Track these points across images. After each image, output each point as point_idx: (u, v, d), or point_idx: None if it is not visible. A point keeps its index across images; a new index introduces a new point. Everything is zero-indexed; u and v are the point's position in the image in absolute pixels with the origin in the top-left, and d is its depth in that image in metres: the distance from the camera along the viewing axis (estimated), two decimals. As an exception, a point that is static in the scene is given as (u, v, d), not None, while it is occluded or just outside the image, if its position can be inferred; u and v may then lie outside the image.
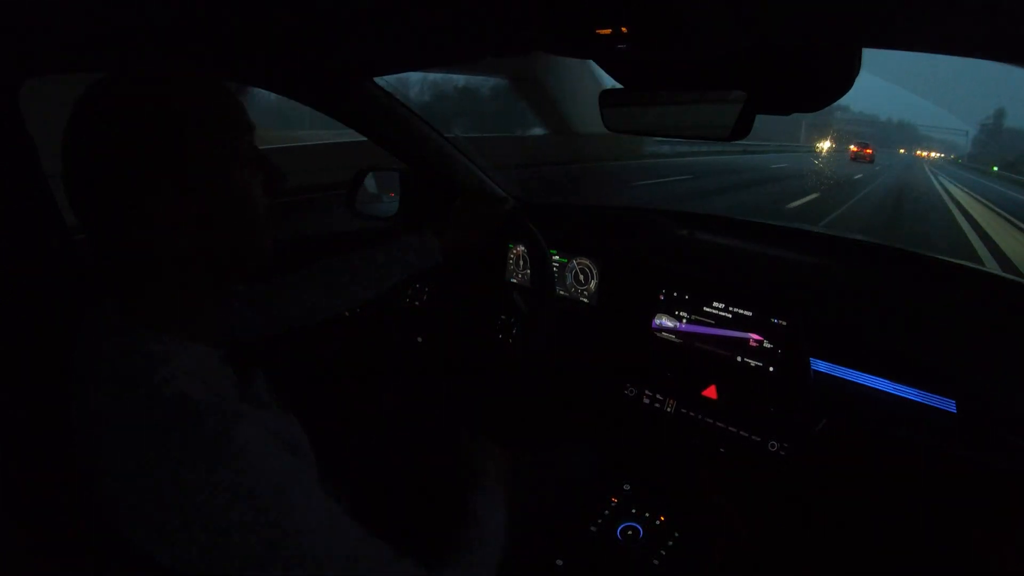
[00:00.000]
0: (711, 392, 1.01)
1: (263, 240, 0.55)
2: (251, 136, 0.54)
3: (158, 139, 0.46)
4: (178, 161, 0.47)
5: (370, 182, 1.48)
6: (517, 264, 1.38)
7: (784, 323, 0.95)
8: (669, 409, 1.05)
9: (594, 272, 1.24)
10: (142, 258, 0.49)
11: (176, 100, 0.48)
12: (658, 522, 0.98)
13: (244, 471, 0.44)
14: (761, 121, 0.81)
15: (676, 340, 1.08)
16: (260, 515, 0.44)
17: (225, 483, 0.43)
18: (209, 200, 0.49)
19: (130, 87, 0.48)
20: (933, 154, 51.36)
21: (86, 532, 0.50)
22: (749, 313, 1.00)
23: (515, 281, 1.38)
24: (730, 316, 1.02)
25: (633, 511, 1.00)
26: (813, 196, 10.32)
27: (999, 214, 11.19)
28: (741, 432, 0.97)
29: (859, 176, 17.25)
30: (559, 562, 0.91)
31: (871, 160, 22.25)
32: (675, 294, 1.08)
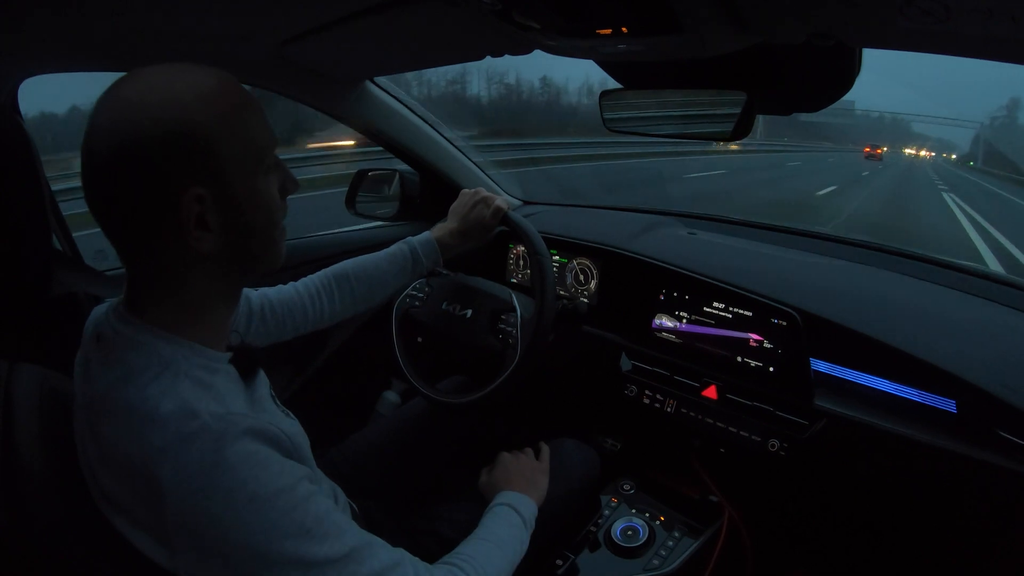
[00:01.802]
0: (711, 392, 1.01)
1: (279, 242, 0.56)
2: (274, 142, 0.53)
3: (190, 148, 0.46)
4: (211, 169, 0.47)
5: (370, 182, 1.49)
6: (517, 264, 1.38)
7: (784, 323, 0.95)
8: (669, 409, 1.05)
9: (594, 272, 1.24)
10: (167, 263, 0.49)
11: (208, 106, 0.47)
12: (658, 522, 0.98)
13: (238, 486, 0.44)
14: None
15: (676, 340, 1.08)
16: (255, 522, 0.44)
17: (223, 497, 0.44)
18: (239, 205, 0.49)
19: (155, 93, 0.46)
20: (924, 152, 41.25)
21: (86, 531, 0.50)
22: (749, 313, 1.00)
23: (515, 281, 1.38)
24: (730, 316, 1.02)
25: (633, 511, 1.00)
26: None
27: None
28: (741, 432, 0.97)
29: (830, 189, 11.00)
30: (559, 562, 0.91)
31: (880, 159, 25.49)
32: (675, 294, 1.08)
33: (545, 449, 0.94)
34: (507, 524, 0.72)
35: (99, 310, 0.55)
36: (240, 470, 0.44)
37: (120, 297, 0.53)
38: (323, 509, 0.49)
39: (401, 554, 0.54)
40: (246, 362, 0.55)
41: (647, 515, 0.98)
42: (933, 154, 41.14)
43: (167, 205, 0.46)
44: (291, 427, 0.53)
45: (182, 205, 0.46)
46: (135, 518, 0.47)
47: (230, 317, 0.57)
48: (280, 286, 0.83)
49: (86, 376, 0.52)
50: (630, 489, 1.05)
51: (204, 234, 0.48)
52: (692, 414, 1.03)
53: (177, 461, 0.44)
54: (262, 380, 0.59)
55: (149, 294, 0.50)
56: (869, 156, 25.53)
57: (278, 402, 0.62)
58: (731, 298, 1.02)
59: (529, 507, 0.77)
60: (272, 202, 0.53)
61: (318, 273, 0.87)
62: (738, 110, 0.79)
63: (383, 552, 0.52)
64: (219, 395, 0.49)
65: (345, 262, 0.88)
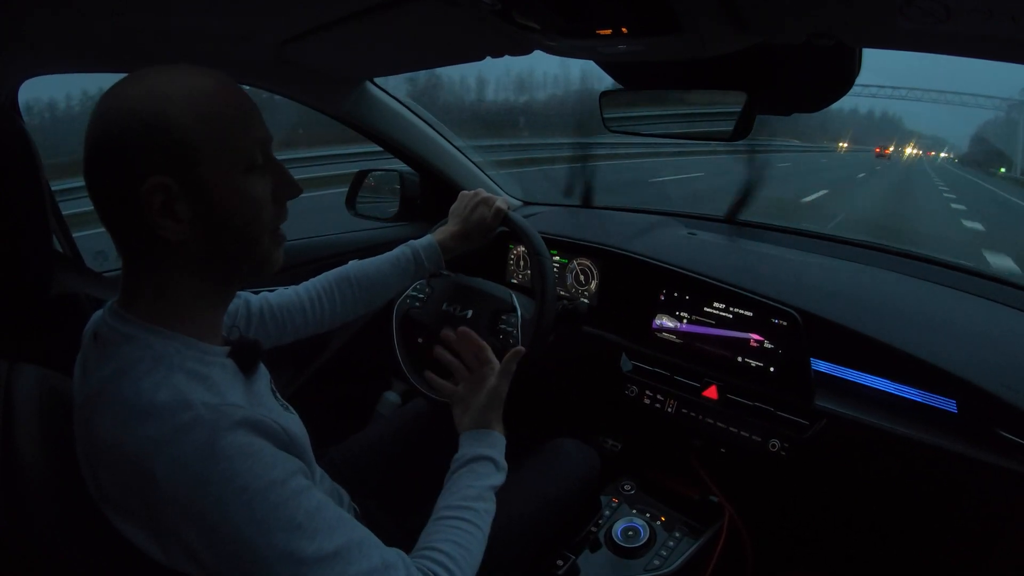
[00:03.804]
0: (712, 392, 1.01)
1: (270, 246, 0.55)
2: (266, 144, 0.54)
3: (159, 137, 0.47)
4: (182, 160, 0.48)
5: (370, 183, 1.48)
6: (517, 264, 1.38)
7: (784, 323, 0.95)
8: (670, 409, 1.05)
9: (594, 272, 1.24)
10: (144, 252, 0.50)
11: (188, 103, 0.48)
12: (658, 522, 0.98)
13: (231, 477, 0.44)
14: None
15: (676, 340, 1.08)
16: (246, 514, 0.44)
17: (215, 488, 0.44)
18: (213, 200, 0.49)
19: (142, 88, 0.48)
20: (910, 150, 32.44)
21: (86, 530, 0.50)
22: (749, 313, 1.00)
23: (515, 281, 1.38)
24: (730, 316, 1.02)
25: (633, 511, 1.00)
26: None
27: None
28: (741, 432, 0.97)
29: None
30: (560, 562, 0.91)
31: (888, 157, 27.06)
32: (675, 294, 1.08)
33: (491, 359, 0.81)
34: (488, 500, 0.66)
35: (98, 312, 0.55)
36: (233, 461, 0.45)
37: (116, 297, 0.53)
38: (315, 504, 0.49)
39: (396, 555, 0.53)
40: (246, 356, 0.55)
41: (648, 515, 0.98)
42: (922, 152, 32.79)
43: (131, 191, 0.47)
44: (289, 421, 0.53)
45: (144, 192, 0.47)
46: (130, 513, 0.47)
47: (219, 317, 0.57)
48: (280, 289, 0.84)
49: (84, 375, 0.52)
50: (631, 489, 1.05)
51: (172, 224, 0.48)
52: (693, 414, 1.03)
53: (171, 452, 0.44)
54: (262, 374, 0.59)
55: (139, 288, 0.51)
56: (879, 155, 27.81)
57: (278, 396, 0.62)
58: (731, 298, 1.02)
59: (499, 447, 0.71)
60: (256, 202, 0.52)
61: (319, 276, 0.87)
62: (738, 110, 0.79)
63: (375, 552, 0.51)
64: (214, 386, 0.49)
65: (347, 265, 0.89)
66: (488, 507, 0.65)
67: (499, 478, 0.69)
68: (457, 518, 0.62)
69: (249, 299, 0.79)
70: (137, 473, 0.44)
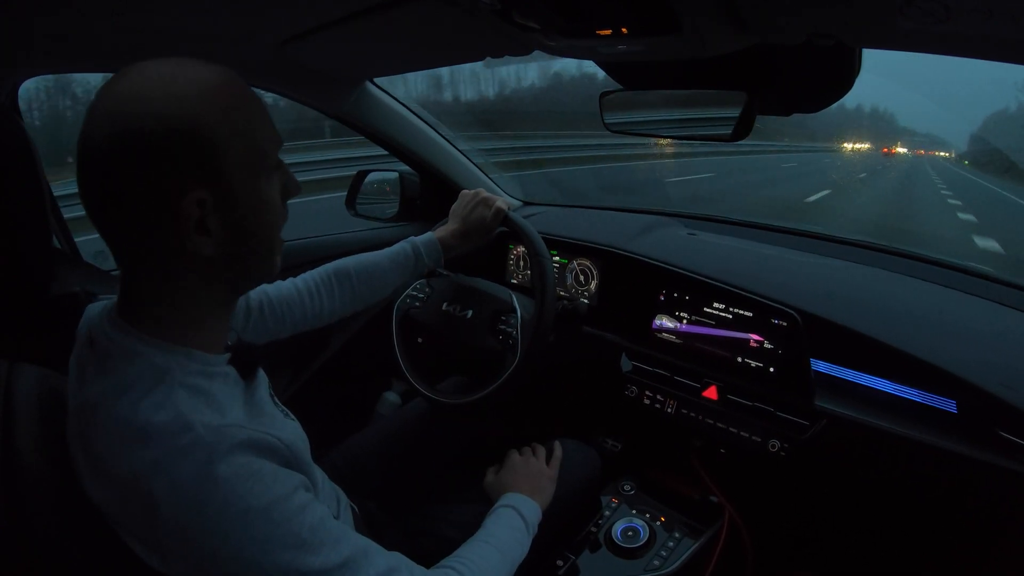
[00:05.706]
0: (711, 393, 1.01)
1: (279, 247, 0.55)
2: (279, 145, 0.52)
3: (193, 148, 0.44)
4: (214, 170, 0.45)
5: (370, 184, 1.49)
6: (517, 264, 1.38)
7: (784, 324, 0.95)
8: (669, 410, 1.05)
9: (594, 272, 1.24)
10: (162, 266, 0.47)
11: (214, 103, 0.45)
12: (658, 522, 0.98)
13: (232, 499, 0.44)
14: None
15: (676, 341, 1.08)
16: (249, 535, 0.44)
17: (214, 512, 0.43)
18: (241, 208, 0.48)
19: (159, 88, 0.44)
20: (899, 149, 28.04)
21: (86, 532, 0.50)
22: (749, 314, 1.00)
23: (515, 281, 1.38)
24: (730, 317, 1.02)
25: (633, 511, 1.00)
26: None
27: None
28: (741, 433, 0.97)
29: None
30: (560, 562, 0.91)
31: (894, 155, 26.11)
32: (675, 295, 1.08)
33: (556, 455, 0.94)
34: (509, 527, 0.72)
35: (92, 310, 0.54)
36: (234, 483, 0.44)
37: (113, 300, 0.51)
38: (318, 518, 0.48)
39: (398, 559, 0.54)
40: (245, 361, 0.54)
41: (647, 516, 0.98)
42: (906, 150, 29.24)
43: (166, 207, 0.44)
44: (290, 432, 0.52)
45: (182, 209, 0.44)
46: (127, 529, 0.47)
47: (227, 322, 0.56)
48: (279, 282, 0.83)
49: (80, 379, 0.50)
50: (630, 490, 1.05)
51: (204, 239, 0.46)
52: (692, 415, 1.03)
53: (170, 474, 0.43)
54: (262, 379, 0.59)
55: (143, 299, 0.49)
56: (887, 154, 27.24)
57: (278, 402, 0.61)
58: (731, 298, 1.02)
59: (533, 510, 0.77)
60: (274, 206, 0.51)
61: (318, 269, 0.86)
62: (738, 110, 0.79)
63: (379, 558, 0.52)
64: (216, 403, 0.48)
65: (346, 259, 0.88)
66: (504, 536, 0.71)
67: (519, 521, 0.75)
68: (475, 540, 0.68)
69: (248, 293, 0.78)
70: (136, 493, 0.44)
